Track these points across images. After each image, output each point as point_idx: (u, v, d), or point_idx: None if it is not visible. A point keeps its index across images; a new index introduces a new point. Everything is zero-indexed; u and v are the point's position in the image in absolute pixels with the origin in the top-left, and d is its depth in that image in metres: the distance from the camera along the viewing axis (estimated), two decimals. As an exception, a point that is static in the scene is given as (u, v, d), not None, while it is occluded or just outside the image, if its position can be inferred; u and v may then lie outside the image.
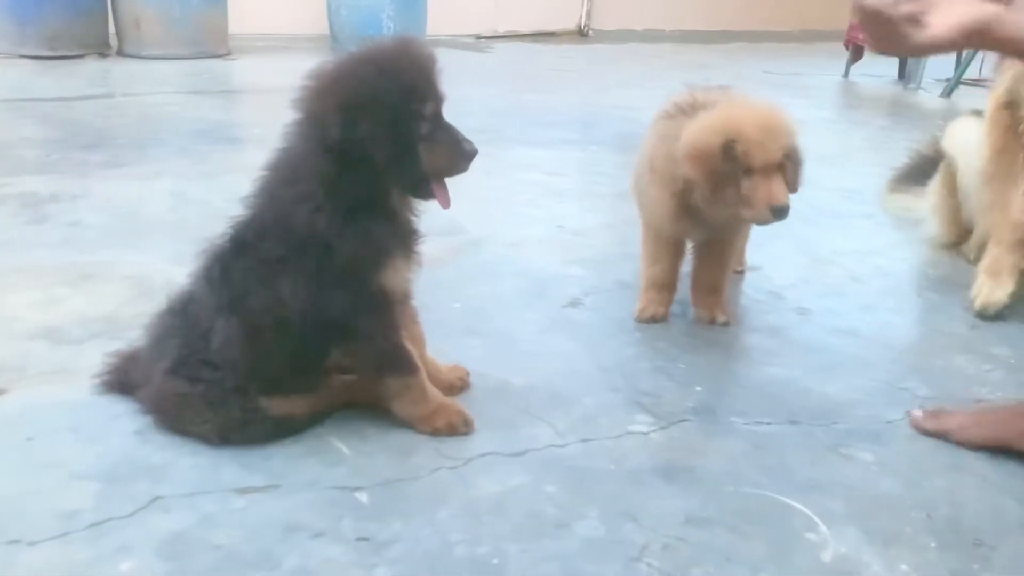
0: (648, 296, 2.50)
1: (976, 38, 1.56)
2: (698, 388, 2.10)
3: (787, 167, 2.19)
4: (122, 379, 1.94)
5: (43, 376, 2.04)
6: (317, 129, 1.70)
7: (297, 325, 1.76)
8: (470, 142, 1.77)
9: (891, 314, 2.67)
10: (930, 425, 1.94)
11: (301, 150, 1.75)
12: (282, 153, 1.79)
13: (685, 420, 1.96)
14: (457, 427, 1.86)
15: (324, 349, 1.83)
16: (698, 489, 1.72)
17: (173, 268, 2.63)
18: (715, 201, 2.21)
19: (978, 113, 3.20)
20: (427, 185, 1.79)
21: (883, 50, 1.66)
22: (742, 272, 2.82)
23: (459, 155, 1.77)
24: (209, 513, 1.59)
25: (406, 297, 1.90)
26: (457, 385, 2.03)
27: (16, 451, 1.76)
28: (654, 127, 2.43)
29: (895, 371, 2.25)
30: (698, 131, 2.22)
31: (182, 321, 1.83)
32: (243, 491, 1.65)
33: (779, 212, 2.14)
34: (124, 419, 1.86)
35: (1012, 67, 2.66)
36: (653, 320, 2.46)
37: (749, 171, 2.14)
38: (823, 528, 1.62)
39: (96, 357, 2.01)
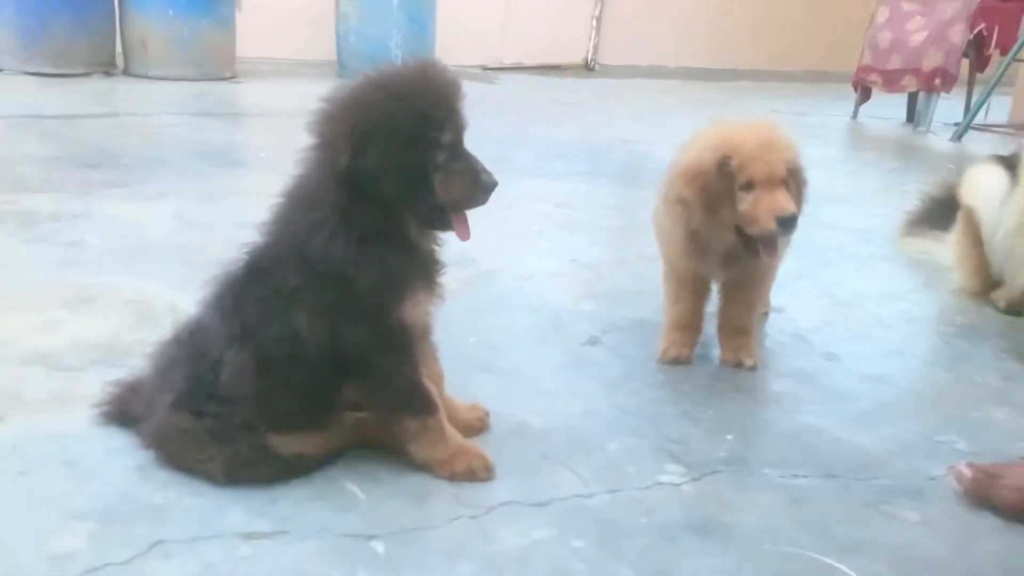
0: (671, 337, 2.39)
1: None
2: (728, 436, 1.99)
3: (791, 183, 2.12)
4: (123, 410, 1.84)
5: (38, 404, 1.93)
6: (329, 155, 1.63)
7: (311, 359, 1.66)
8: (489, 173, 1.68)
9: (921, 361, 2.58)
10: (976, 495, 1.76)
11: (316, 176, 1.67)
12: (298, 179, 1.71)
13: (717, 471, 1.86)
14: (477, 472, 1.75)
15: (338, 385, 1.74)
16: (734, 547, 1.61)
17: (176, 293, 2.54)
18: (711, 223, 2.14)
19: (998, 159, 3.15)
20: (444, 216, 1.70)
21: None
22: (766, 314, 2.73)
23: (476, 187, 1.67)
24: (213, 561, 1.47)
25: (426, 332, 1.81)
26: (476, 426, 1.93)
27: (7, 486, 1.64)
28: (675, 161, 2.34)
29: (931, 422, 2.15)
30: (693, 150, 2.18)
31: (189, 351, 1.73)
32: (249, 536, 1.54)
33: (785, 223, 2.06)
34: (123, 454, 1.74)
35: None
36: (676, 362, 2.35)
37: (750, 186, 2.08)
38: (871, 594, 1.51)
39: (94, 385, 1.91)
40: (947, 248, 3.25)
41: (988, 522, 1.75)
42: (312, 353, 1.66)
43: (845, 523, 1.71)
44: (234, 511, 1.60)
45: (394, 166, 1.60)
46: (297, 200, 1.70)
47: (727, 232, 2.16)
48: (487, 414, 1.96)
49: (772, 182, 2.07)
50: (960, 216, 3.20)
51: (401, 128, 1.60)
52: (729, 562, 1.57)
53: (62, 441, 1.78)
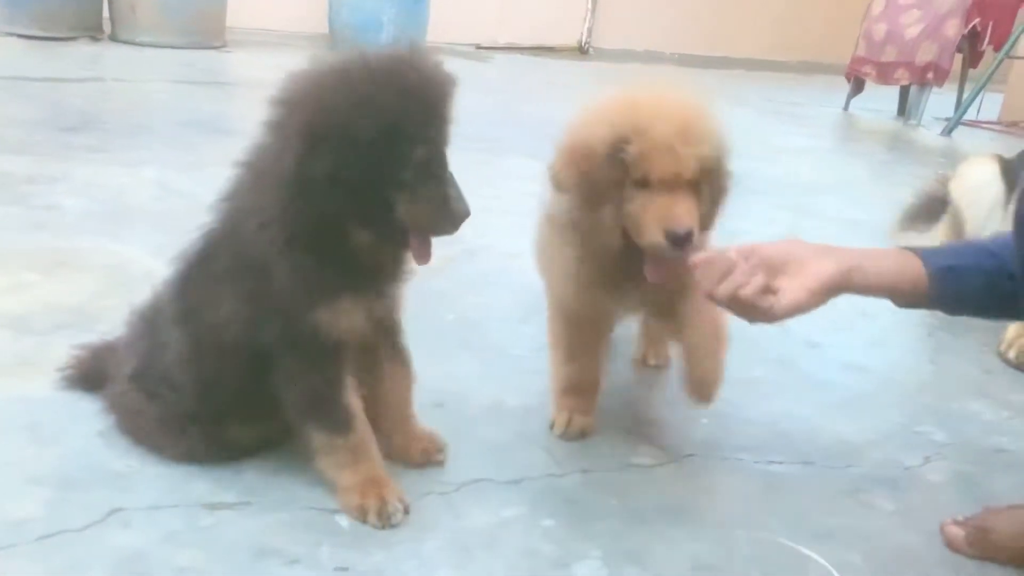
0: (567, 403, 1.86)
1: (835, 294, 1.48)
2: (704, 420, 1.97)
3: (703, 186, 1.60)
4: (89, 374, 1.79)
5: (3, 368, 1.88)
6: (278, 145, 1.42)
7: (233, 349, 1.53)
8: (462, 200, 1.43)
9: (902, 352, 2.57)
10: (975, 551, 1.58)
11: (265, 159, 1.46)
12: (256, 153, 1.50)
13: (691, 455, 1.83)
14: (386, 512, 1.49)
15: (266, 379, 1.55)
16: (707, 532, 1.59)
17: (153, 259, 2.50)
18: (589, 222, 1.63)
19: (996, 159, 3.11)
20: (403, 236, 1.47)
21: (752, 322, 1.54)
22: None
23: (444, 216, 1.43)
24: (173, 530, 1.44)
25: (367, 346, 1.60)
26: (418, 460, 1.69)
27: (-35, 449, 1.60)
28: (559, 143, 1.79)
29: (909, 413, 2.14)
30: (582, 121, 1.65)
31: (147, 327, 1.66)
32: (212, 507, 1.50)
33: (677, 240, 1.54)
34: (87, 420, 1.70)
35: None
36: (582, 435, 1.84)
37: (645, 183, 1.56)
38: (842, 582, 1.49)
39: (62, 350, 1.86)
40: (932, 242, 3.23)
41: (962, 513, 1.73)
42: (231, 343, 1.52)
43: (820, 511, 1.69)
44: (198, 481, 1.56)
45: (348, 179, 1.38)
46: (247, 178, 1.52)
47: (611, 237, 1.62)
48: (441, 450, 1.71)
49: (675, 183, 1.56)
50: (948, 213, 3.18)
51: (363, 137, 1.36)
52: (701, 546, 1.55)
53: (25, 405, 1.74)
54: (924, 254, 1.52)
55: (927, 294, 1.49)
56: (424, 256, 1.49)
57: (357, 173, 1.38)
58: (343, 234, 1.45)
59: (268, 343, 1.49)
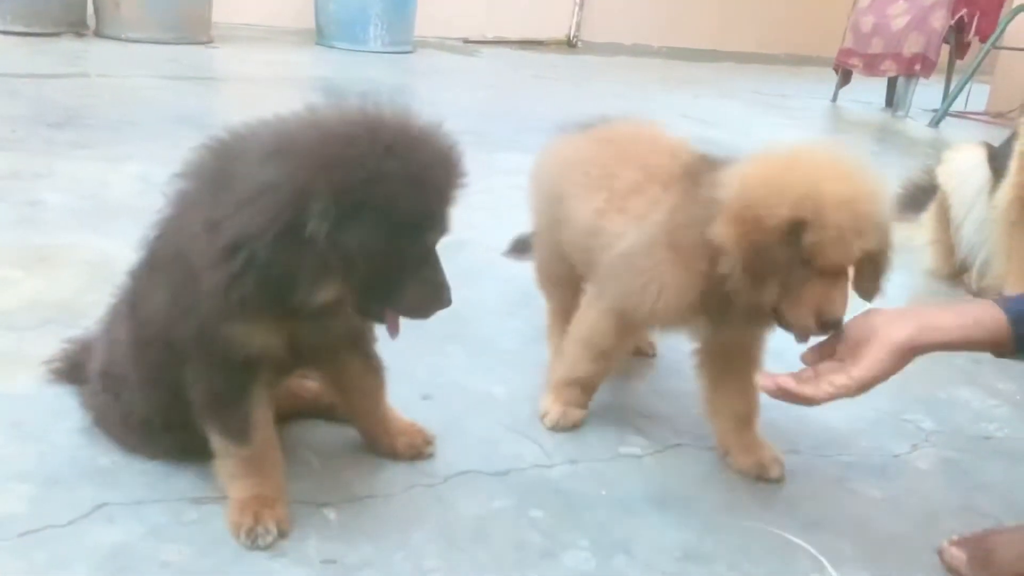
0: (565, 396, 1.85)
1: (911, 355, 1.44)
2: (693, 411, 1.96)
3: (865, 269, 1.56)
4: (74, 369, 1.78)
5: (-14, 364, 1.87)
6: (288, 198, 1.26)
7: (160, 345, 1.45)
8: (449, 289, 1.39)
9: (890, 341, 2.56)
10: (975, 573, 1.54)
11: (249, 187, 1.29)
12: (222, 156, 1.39)
13: (679, 445, 1.83)
14: (255, 533, 1.41)
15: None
16: (695, 520, 1.59)
17: (136, 254, 2.48)
18: (749, 291, 1.54)
19: (984, 146, 3.12)
20: (380, 312, 1.41)
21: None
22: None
23: (434, 302, 1.38)
24: (158, 525, 1.43)
25: (321, 359, 1.55)
26: (406, 454, 1.68)
27: (-53, 446, 1.59)
28: (666, 189, 1.73)
29: (898, 401, 2.14)
30: (758, 185, 1.52)
31: (112, 318, 1.62)
32: (197, 501, 1.49)
33: (828, 327, 1.51)
34: (71, 416, 1.69)
35: None
36: (573, 427, 1.85)
37: (809, 265, 1.50)
38: (830, 570, 1.49)
39: (46, 346, 1.85)
40: (920, 230, 3.24)
41: (951, 501, 1.74)
42: (160, 337, 1.45)
43: (808, 499, 1.70)
44: (183, 475, 1.55)
45: (373, 254, 1.29)
46: (210, 181, 1.38)
47: (765, 303, 1.57)
48: (427, 443, 1.70)
49: (840, 269, 1.52)
50: (937, 198, 3.20)
51: (403, 215, 1.29)
52: (689, 535, 1.54)
53: (8, 401, 1.72)
54: (1001, 301, 1.50)
55: (1012, 339, 1.47)
56: (395, 330, 1.42)
57: (384, 251, 1.30)
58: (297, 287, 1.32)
59: (182, 338, 1.42)
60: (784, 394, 1.47)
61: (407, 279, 1.35)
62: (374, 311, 1.41)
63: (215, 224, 1.30)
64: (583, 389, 1.86)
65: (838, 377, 1.43)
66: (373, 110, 1.35)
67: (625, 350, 1.87)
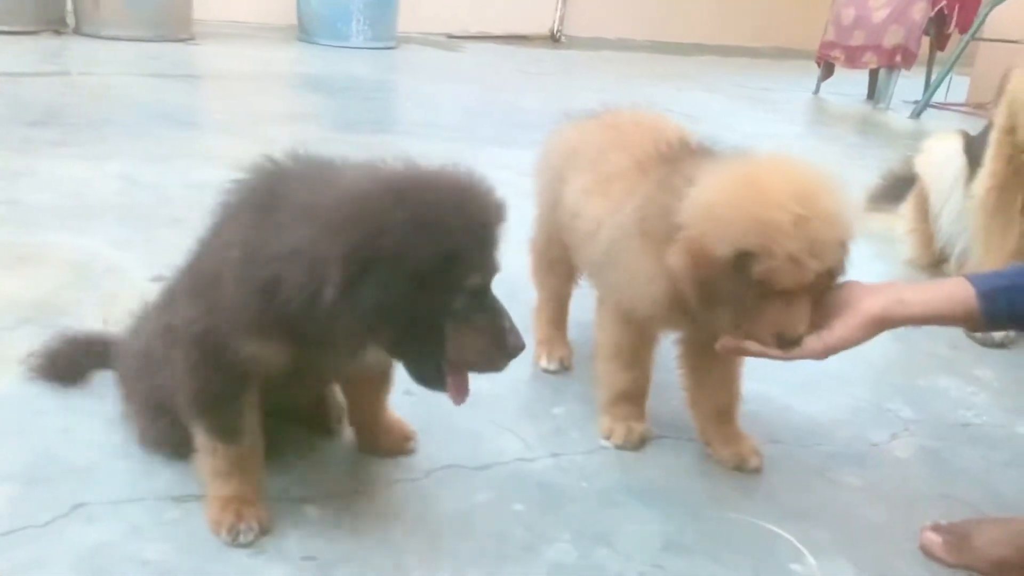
0: (623, 411, 1.81)
1: (882, 327, 1.50)
2: (674, 402, 1.97)
3: (821, 287, 1.51)
4: (57, 364, 1.78)
5: (-37, 364, 1.85)
6: (310, 265, 1.23)
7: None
8: (517, 332, 1.29)
9: (870, 332, 2.58)
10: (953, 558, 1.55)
11: (296, 226, 1.26)
12: (287, 193, 1.31)
13: (661, 436, 1.84)
14: (236, 529, 1.39)
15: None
16: (676, 512, 1.59)
17: (117, 253, 2.48)
18: (703, 315, 1.55)
19: (961, 135, 3.15)
20: (440, 375, 1.31)
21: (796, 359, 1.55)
22: None
23: (498, 349, 1.28)
24: (138, 524, 1.42)
25: (282, 375, 1.43)
26: (387, 450, 1.68)
27: (-76, 446, 1.58)
28: (644, 175, 1.71)
29: (878, 390, 2.16)
30: (705, 216, 1.49)
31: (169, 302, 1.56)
32: (178, 500, 1.49)
33: (786, 344, 1.49)
34: (50, 415, 1.68)
35: (1013, 89, 2.58)
36: (642, 442, 1.80)
37: (763, 291, 1.47)
38: (810, 559, 1.50)
39: (24, 345, 1.84)
40: (899, 220, 3.26)
41: (930, 488, 1.76)
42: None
43: (789, 490, 1.70)
44: (163, 474, 1.54)
45: (395, 309, 1.22)
46: (254, 206, 1.34)
47: (721, 327, 1.56)
48: (408, 439, 1.69)
49: (796, 290, 1.48)
50: (916, 188, 3.22)
51: (418, 263, 1.21)
52: (671, 527, 1.55)
53: (-13, 401, 1.72)
54: (973, 277, 1.53)
55: (980, 315, 1.50)
56: (463, 393, 1.33)
57: (408, 304, 1.22)
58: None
59: (178, 323, 1.40)
60: (753, 351, 1.54)
61: (453, 330, 1.27)
62: (429, 374, 1.32)
63: (251, 256, 1.28)
64: (631, 400, 1.82)
65: (808, 339, 1.49)
66: (406, 166, 1.30)
67: (649, 354, 1.81)
